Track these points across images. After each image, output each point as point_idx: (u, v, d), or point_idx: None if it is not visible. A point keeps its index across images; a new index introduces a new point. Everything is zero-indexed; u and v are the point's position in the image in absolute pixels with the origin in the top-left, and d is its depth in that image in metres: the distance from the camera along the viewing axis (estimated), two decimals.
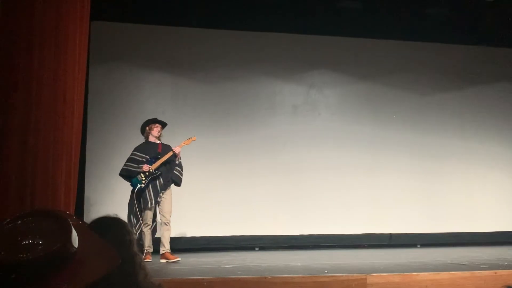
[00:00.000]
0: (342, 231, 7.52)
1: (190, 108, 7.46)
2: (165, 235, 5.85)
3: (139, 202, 5.84)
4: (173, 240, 6.90)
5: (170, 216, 5.87)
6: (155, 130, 6.08)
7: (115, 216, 1.88)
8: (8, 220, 1.03)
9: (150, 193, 5.82)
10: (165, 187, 5.91)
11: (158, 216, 5.97)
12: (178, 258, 5.82)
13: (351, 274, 4.45)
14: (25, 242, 0.97)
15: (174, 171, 5.96)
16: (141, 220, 5.82)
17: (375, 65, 8.01)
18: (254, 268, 5.19)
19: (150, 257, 5.79)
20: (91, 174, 6.95)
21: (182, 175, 5.99)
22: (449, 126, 8.14)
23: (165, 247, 5.83)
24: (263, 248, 7.22)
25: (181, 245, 6.87)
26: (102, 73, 7.11)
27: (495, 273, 4.56)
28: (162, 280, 4.16)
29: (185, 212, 6.57)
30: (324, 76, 7.91)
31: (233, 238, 7.01)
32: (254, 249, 7.18)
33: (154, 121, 6.18)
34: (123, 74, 7.29)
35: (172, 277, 4.49)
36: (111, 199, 6.92)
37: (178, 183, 5.99)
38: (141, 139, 7.26)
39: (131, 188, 5.89)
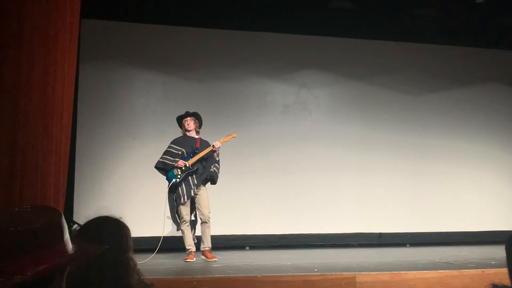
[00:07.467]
0: (332, 230, 7.54)
1: (181, 108, 7.40)
2: (205, 232, 5.73)
3: (174, 199, 5.74)
4: (163, 240, 6.91)
5: (209, 212, 5.72)
6: (185, 124, 5.92)
7: (118, 218, 1.91)
8: (18, 206, 1.26)
9: (183, 188, 5.67)
10: (199, 183, 5.74)
11: (198, 214, 5.84)
12: (215, 258, 5.67)
13: (341, 273, 4.47)
14: (26, 219, 1.19)
15: (212, 168, 5.80)
16: (177, 217, 5.74)
17: (366, 66, 8.04)
18: (244, 267, 5.20)
19: (193, 257, 5.67)
20: (81, 172, 6.90)
21: (218, 173, 5.83)
22: (439, 126, 8.19)
23: (204, 245, 5.74)
24: (253, 247, 7.22)
25: (171, 244, 6.86)
26: (92, 71, 7.06)
27: (483, 271, 4.60)
28: (153, 279, 4.15)
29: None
30: (315, 76, 7.93)
31: (223, 238, 6.98)
32: (244, 248, 7.18)
33: (184, 116, 6.00)
34: (113, 72, 7.26)
35: (163, 276, 4.48)
36: (101, 197, 6.89)
37: (214, 181, 5.84)
38: (130, 138, 7.28)
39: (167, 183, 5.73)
